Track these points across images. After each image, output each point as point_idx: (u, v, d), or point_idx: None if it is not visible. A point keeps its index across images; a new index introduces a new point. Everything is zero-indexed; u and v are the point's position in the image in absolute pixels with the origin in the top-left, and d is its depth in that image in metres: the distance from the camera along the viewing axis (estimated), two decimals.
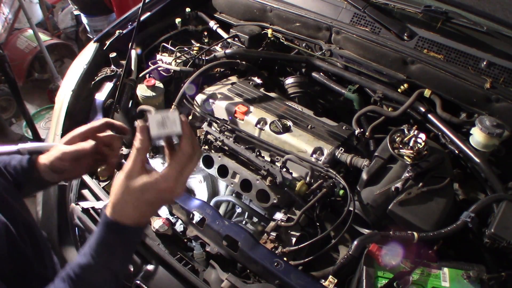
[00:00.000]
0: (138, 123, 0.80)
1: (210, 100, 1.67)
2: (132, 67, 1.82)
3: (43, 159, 0.96)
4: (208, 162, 1.49)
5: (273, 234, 1.29)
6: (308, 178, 1.37)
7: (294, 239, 1.32)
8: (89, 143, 0.93)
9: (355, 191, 1.33)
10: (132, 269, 1.27)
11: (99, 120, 0.97)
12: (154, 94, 1.71)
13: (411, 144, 1.30)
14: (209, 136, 1.49)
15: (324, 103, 1.89)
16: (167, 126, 0.77)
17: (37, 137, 3.05)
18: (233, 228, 1.23)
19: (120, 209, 0.78)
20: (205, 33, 2.08)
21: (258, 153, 1.43)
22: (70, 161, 0.94)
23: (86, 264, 0.77)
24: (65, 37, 4.54)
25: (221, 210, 1.55)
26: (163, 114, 0.78)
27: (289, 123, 1.53)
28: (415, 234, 1.13)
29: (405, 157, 1.28)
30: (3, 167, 0.98)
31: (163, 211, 1.48)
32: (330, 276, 1.13)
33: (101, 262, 0.78)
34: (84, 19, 3.89)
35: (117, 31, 1.93)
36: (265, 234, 1.31)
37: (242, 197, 1.53)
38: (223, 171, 1.45)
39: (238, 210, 1.53)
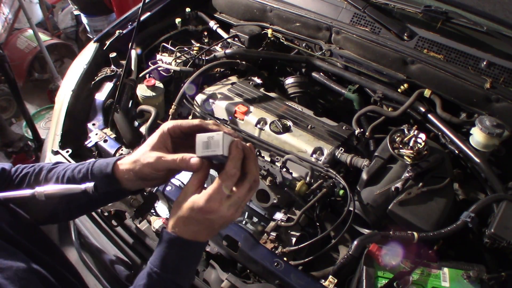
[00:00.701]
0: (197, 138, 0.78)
1: (210, 100, 1.67)
2: (132, 67, 1.82)
3: (126, 165, 0.84)
4: None
5: (273, 234, 1.29)
6: (308, 178, 1.37)
7: (294, 239, 1.32)
8: (191, 158, 0.79)
9: (355, 191, 1.33)
10: (132, 270, 1.27)
11: (193, 120, 0.85)
12: (154, 94, 1.71)
13: (411, 144, 1.30)
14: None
15: (324, 103, 1.89)
16: (211, 147, 0.77)
17: (37, 137, 3.05)
18: (233, 228, 1.23)
19: (177, 223, 0.77)
20: (205, 33, 2.08)
21: (258, 153, 1.43)
22: (164, 171, 0.83)
23: (152, 282, 0.76)
24: (65, 37, 4.54)
25: None
26: (209, 135, 0.78)
27: (289, 123, 1.53)
28: (415, 234, 1.13)
29: (405, 157, 1.28)
30: (66, 180, 0.87)
31: (163, 211, 1.48)
32: (330, 276, 1.13)
33: (168, 278, 0.77)
34: (84, 19, 3.90)
35: (117, 31, 1.93)
36: (265, 234, 1.31)
37: None
38: None
39: None
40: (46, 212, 0.88)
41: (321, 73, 1.78)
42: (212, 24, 2.07)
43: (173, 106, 1.64)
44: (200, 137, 0.78)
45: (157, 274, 0.77)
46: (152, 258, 0.79)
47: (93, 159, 0.89)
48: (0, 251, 0.69)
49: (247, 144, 0.80)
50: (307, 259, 1.24)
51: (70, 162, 1.52)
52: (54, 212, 0.89)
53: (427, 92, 1.54)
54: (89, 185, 0.81)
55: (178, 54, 1.85)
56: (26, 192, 0.80)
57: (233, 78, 1.84)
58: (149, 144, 0.84)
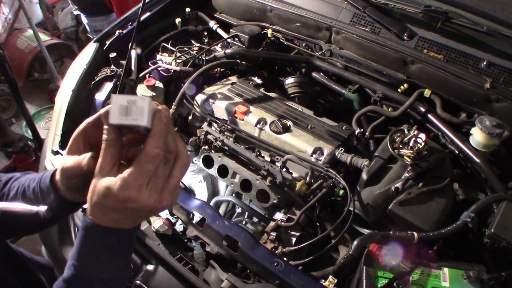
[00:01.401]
0: (102, 110, 0.68)
1: (210, 100, 1.67)
2: (132, 67, 1.82)
3: (57, 175, 0.78)
4: (208, 162, 1.49)
5: (273, 234, 1.29)
6: (308, 178, 1.37)
7: (294, 239, 1.32)
8: (84, 158, 0.71)
9: (355, 191, 1.33)
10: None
11: (94, 115, 0.74)
12: (154, 94, 1.71)
13: (411, 144, 1.30)
14: (209, 136, 1.49)
15: (324, 103, 1.89)
16: (131, 114, 0.62)
17: (37, 137, 3.05)
18: (233, 228, 1.23)
19: (94, 210, 0.66)
20: (205, 33, 2.08)
21: (258, 153, 1.43)
22: (77, 177, 0.74)
23: (70, 277, 0.69)
24: (65, 37, 4.54)
25: (221, 210, 1.55)
26: (130, 98, 0.62)
27: (289, 123, 1.53)
28: (415, 234, 1.13)
29: (405, 157, 1.28)
30: (21, 194, 0.83)
31: (163, 211, 1.48)
32: (330, 276, 1.13)
33: (85, 272, 0.68)
34: (84, 19, 3.90)
35: (117, 31, 1.93)
36: (265, 234, 1.31)
37: (242, 197, 1.53)
38: (223, 171, 1.45)
39: (238, 210, 1.53)
40: (5, 226, 0.84)
41: (321, 73, 1.78)
42: (212, 24, 2.07)
43: (173, 106, 1.64)
44: (118, 99, 0.62)
45: (75, 267, 0.69)
46: (73, 248, 0.70)
47: (50, 169, 0.83)
48: None
49: (165, 108, 0.67)
50: (307, 259, 1.24)
51: None
52: (12, 226, 0.87)
53: (427, 92, 1.54)
54: (42, 208, 0.75)
55: (178, 54, 1.85)
56: (31, 208, 0.77)
57: (233, 78, 1.84)
58: (67, 148, 0.75)
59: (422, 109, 1.53)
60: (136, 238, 0.73)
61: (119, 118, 0.62)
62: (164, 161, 0.65)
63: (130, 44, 1.63)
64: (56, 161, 1.57)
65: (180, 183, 1.42)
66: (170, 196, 0.67)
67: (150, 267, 1.25)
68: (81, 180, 0.74)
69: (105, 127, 0.65)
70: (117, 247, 0.70)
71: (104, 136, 0.66)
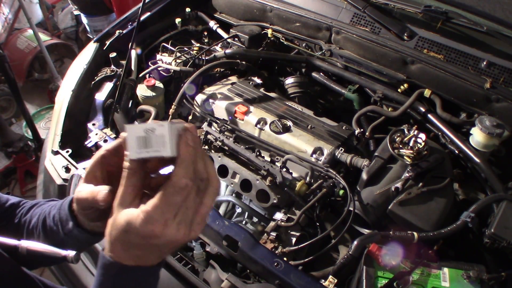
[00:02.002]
0: (121, 135, 0.61)
1: (210, 100, 1.67)
2: (132, 67, 1.82)
3: (74, 204, 0.72)
4: None
5: (273, 234, 1.29)
6: (308, 178, 1.37)
7: (294, 239, 1.32)
8: (99, 191, 0.65)
9: (355, 191, 1.33)
10: None
11: (114, 142, 0.67)
12: (154, 94, 1.71)
13: (411, 144, 1.30)
14: (209, 136, 1.49)
15: (324, 103, 1.89)
16: (152, 145, 0.56)
17: (37, 137, 3.05)
18: (233, 228, 1.22)
19: (113, 246, 0.59)
20: (205, 33, 2.08)
21: (258, 153, 1.43)
22: (92, 209, 0.68)
23: None
24: (65, 37, 4.54)
25: (221, 210, 1.55)
26: (147, 127, 0.56)
27: (289, 123, 1.53)
28: (415, 234, 1.13)
29: (405, 157, 1.28)
30: (41, 221, 0.78)
31: None
32: (330, 276, 1.13)
33: None
34: (84, 19, 3.89)
35: (117, 31, 1.93)
36: (265, 234, 1.31)
37: (242, 197, 1.53)
38: (223, 171, 1.45)
39: (238, 210, 1.53)
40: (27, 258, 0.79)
41: (321, 73, 1.78)
42: (212, 24, 2.07)
43: (173, 106, 1.64)
44: (133, 130, 0.56)
45: None
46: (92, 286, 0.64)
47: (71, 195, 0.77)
48: None
49: (192, 129, 0.60)
50: (307, 259, 1.24)
51: (70, 162, 1.53)
52: (36, 262, 0.85)
53: (427, 92, 1.54)
54: (71, 253, 0.72)
55: (178, 54, 1.85)
56: (10, 241, 0.74)
57: (233, 78, 1.84)
58: (84, 175, 0.69)
59: (422, 109, 1.53)
60: (159, 274, 0.66)
61: (139, 151, 0.56)
62: (195, 191, 0.58)
63: (130, 44, 1.63)
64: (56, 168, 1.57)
65: None
66: (200, 227, 0.60)
67: None
68: (98, 212, 0.68)
69: (126, 153, 0.59)
70: (142, 284, 0.63)
71: (125, 164, 0.59)
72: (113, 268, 0.60)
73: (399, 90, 1.61)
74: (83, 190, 0.67)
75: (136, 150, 0.57)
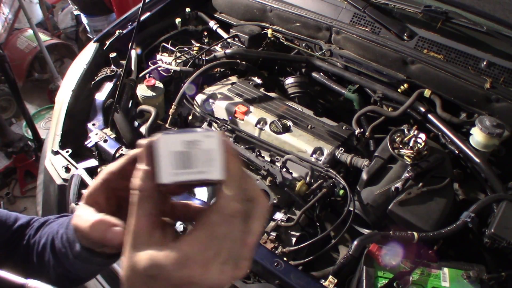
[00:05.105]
0: (144, 144, 0.45)
1: (210, 100, 1.67)
2: (132, 67, 1.82)
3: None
4: None
5: (273, 234, 1.29)
6: (308, 178, 1.37)
7: (294, 239, 1.32)
8: (115, 232, 0.51)
9: (355, 191, 1.33)
10: None
11: (121, 160, 0.54)
12: (154, 94, 1.71)
13: (411, 144, 1.30)
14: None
15: (324, 103, 1.89)
16: (194, 163, 0.41)
17: (37, 137, 3.05)
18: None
19: None
20: (205, 33, 2.08)
21: (258, 153, 1.43)
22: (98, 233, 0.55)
23: None
24: (65, 37, 4.54)
25: None
26: (187, 138, 0.41)
27: (289, 123, 1.53)
28: (415, 234, 1.13)
29: (405, 157, 1.28)
30: (50, 242, 0.68)
31: None
32: (330, 276, 1.13)
33: None
34: (84, 19, 3.90)
35: (117, 31, 1.93)
36: (265, 234, 1.31)
37: None
38: None
39: None
40: None
41: (321, 73, 1.78)
42: (212, 24, 2.07)
43: (173, 106, 1.64)
44: (169, 142, 0.41)
45: None
46: None
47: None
48: None
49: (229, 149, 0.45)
50: (307, 259, 1.24)
51: (70, 162, 1.53)
52: None
53: (427, 92, 1.54)
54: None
55: (178, 54, 1.85)
56: (17, 279, 0.63)
57: (233, 78, 1.84)
58: (85, 195, 0.57)
59: (422, 109, 1.53)
60: None
61: (176, 173, 0.41)
62: (243, 216, 0.44)
63: (130, 44, 1.63)
64: (55, 160, 1.57)
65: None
66: (247, 263, 0.45)
67: None
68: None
69: (140, 177, 0.44)
70: None
71: (134, 183, 0.45)
72: None
73: (399, 90, 1.61)
74: (83, 217, 0.54)
75: (171, 171, 0.41)
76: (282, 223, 1.31)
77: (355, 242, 1.12)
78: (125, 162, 0.53)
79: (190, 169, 0.41)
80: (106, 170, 0.55)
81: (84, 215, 0.54)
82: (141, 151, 0.45)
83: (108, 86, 1.77)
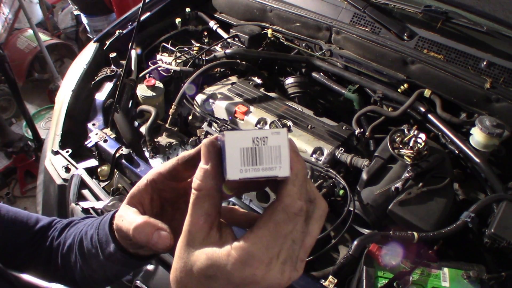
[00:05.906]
0: (204, 143, 0.45)
1: (210, 100, 1.67)
2: (132, 67, 1.82)
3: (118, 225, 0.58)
4: None
5: None
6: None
7: None
8: (161, 235, 0.50)
9: (355, 191, 1.33)
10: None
11: (169, 162, 0.53)
12: (154, 94, 1.71)
13: (411, 144, 1.30)
14: (209, 136, 1.49)
15: (324, 103, 1.89)
16: (262, 160, 0.41)
17: (37, 137, 3.06)
18: (232, 228, 1.22)
19: None
20: (205, 33, 2.08)
21: None
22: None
23: None
24: (65, 37, 4.54)
25: None
26: (255, 135, 0.41)
27: (289, 123, 1.53)
28: (415, 234, 1.13)
29: (405, 157, 1.28)
30: (77, 244, 0.67)
31: None
32: (330, 276, 1.13)
33: None
34: (84, 19, 3.90)
35: (117, 31, 1.93)
36: None
37: (242, 197, 1.53)
38: None
39: None
40: None
41: (321, 73, 1.78)
42: (212, 24, 2.07)
43: (173, 106, 1.64)
44: (236, 138, 0.41)
45: None
46: None
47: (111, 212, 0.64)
48: None
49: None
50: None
51: (70, 162, 1.53)
52: None
53: (427, 92, 1.54)
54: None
55: (178, 54, 1.85)
56: (41, 283, 0.66)
57: (233, 78, 1.84)
58: (128, 195, 0.56)
59: (422, 109, 1.52)
60: None
61: (246, 169, 0.41)
62: (305, 216, 0.43)
63: (130, 44, 1.63)
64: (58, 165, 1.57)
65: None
66: (303, 265, 0.45)
67: (150, 267, 1.25)
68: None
69: (200, 174, 0.44)
70: None
71: (195, 183, 0.43)
72: None
73: (399, 90, 1.61)
74: (125, 219, 0.53)
75: (240, 168, 0.41)
76: None
77: (355, 242, 1.12)
78: (176, 163, 0.52)
79: (257, 166, 0.41)
80: (154, 170, 0.54)
81: (128, 216, 0.53)
82: (202, 150, 0.44)
83: (108, 86, 1.77)
